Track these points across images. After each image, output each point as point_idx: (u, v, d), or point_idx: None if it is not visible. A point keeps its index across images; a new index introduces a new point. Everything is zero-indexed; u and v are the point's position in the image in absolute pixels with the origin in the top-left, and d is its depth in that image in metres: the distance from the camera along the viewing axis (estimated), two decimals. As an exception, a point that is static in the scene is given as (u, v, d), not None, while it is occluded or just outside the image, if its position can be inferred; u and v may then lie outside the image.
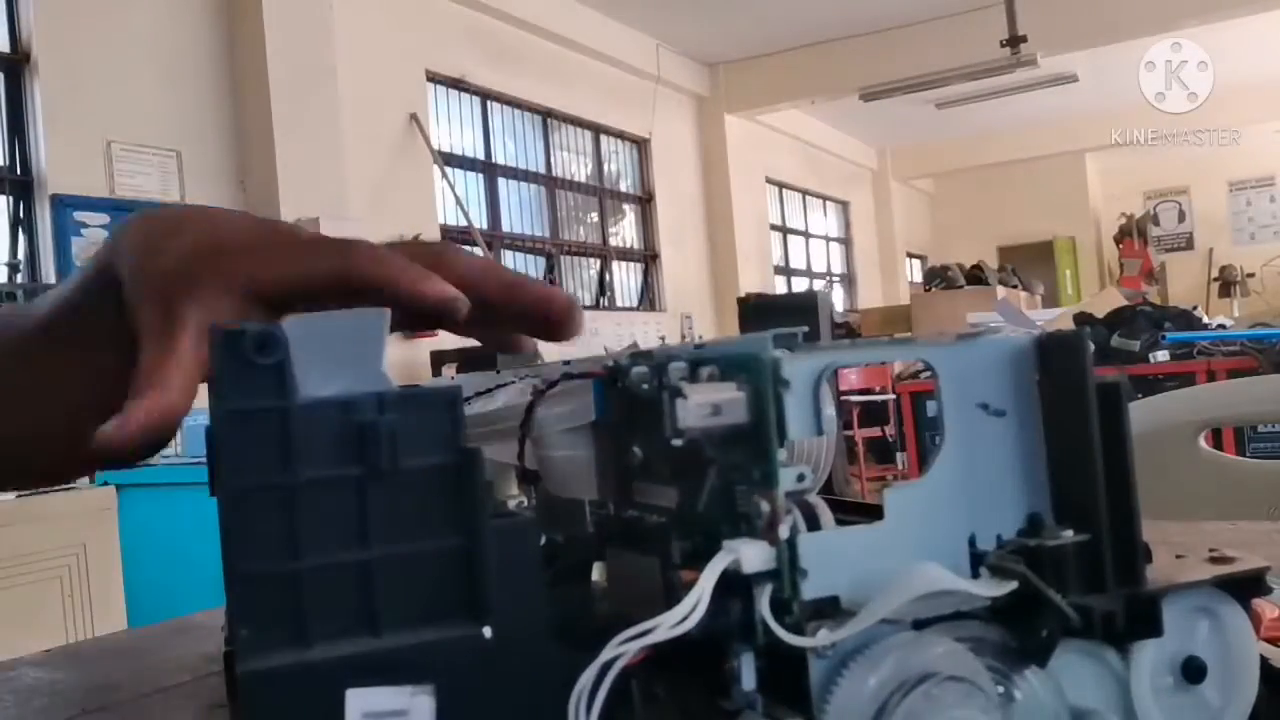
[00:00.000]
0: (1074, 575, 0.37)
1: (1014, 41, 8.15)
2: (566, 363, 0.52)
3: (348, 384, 0.37)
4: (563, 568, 0.50)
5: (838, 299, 12.21)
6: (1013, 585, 0.36)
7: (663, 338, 8.76)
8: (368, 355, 0.39)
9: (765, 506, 0.37)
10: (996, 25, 8.24)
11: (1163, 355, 4.61)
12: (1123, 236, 13.93)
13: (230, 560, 0.35)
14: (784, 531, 0.36)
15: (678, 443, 0.39)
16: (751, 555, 0.36)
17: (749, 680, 0.37)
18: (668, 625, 0.35)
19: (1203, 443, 1.44)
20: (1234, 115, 10.06)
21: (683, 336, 9.01)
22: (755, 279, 10.28)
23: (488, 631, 0.37)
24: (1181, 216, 15.16)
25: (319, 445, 0.36)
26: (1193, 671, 0.39)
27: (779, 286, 11.15)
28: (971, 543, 0.38)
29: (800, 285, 11.76)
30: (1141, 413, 1.45)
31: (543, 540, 0.48)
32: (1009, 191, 14.48)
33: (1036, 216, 14.36)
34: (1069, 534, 0.38)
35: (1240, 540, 0.89)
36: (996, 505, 0.39)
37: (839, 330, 8.94)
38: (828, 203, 13.06)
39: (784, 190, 11.86)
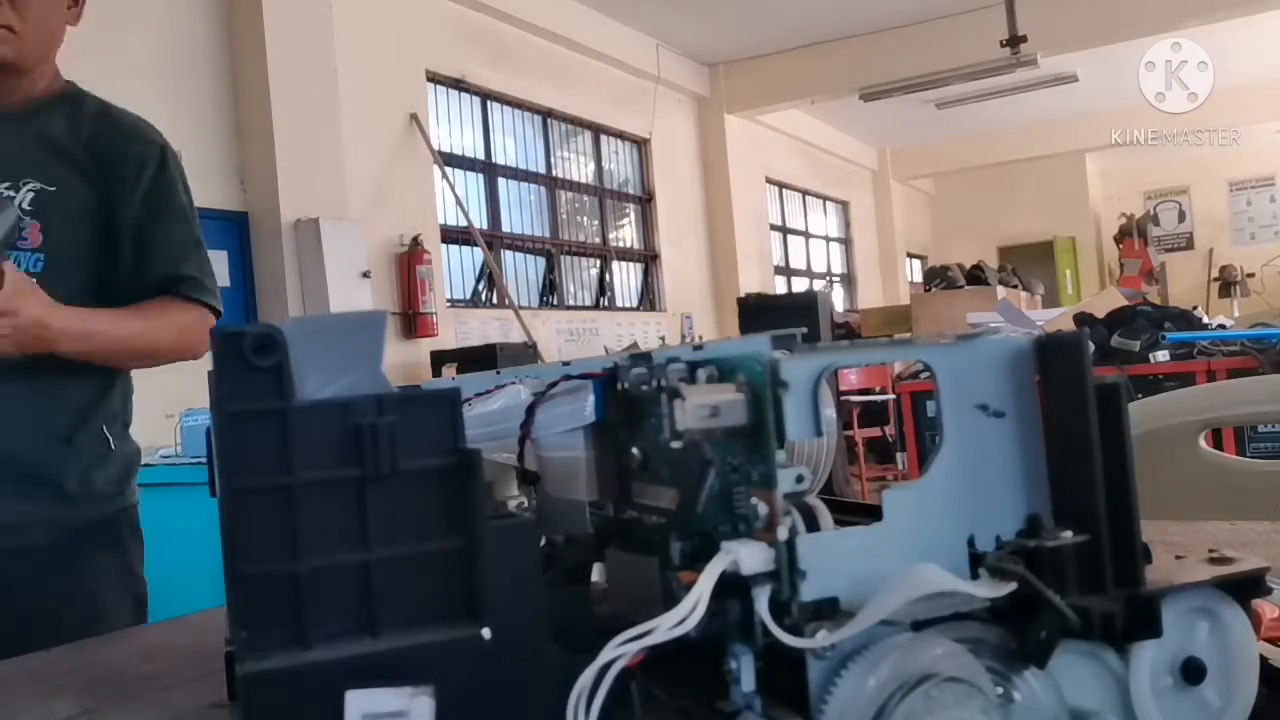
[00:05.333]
0: (1073, 576, 0.37)
1: (1014, 41, 8.15)
2: (566, 363, 0.52)
3: (347, 386, 0.37)
4: (562, 569, 0.50)
5: (838, 299, 12.20)
6: (1012, 586, 0.36)
7: (662, 338, 8.75)
8: (367, 357, 0.39)
9: (764, 508, 0.37)
10: (996, 25, 8.24)
11: (1163, 355, 4.60)
12: (1123, 236, 13.92)
13: (230, 561, 0.35)
14: (783, 533, 0.36)
15: (677, 444, 0.39)
16: (750, 556, 0.36)
17: (748, 681, 0.37)
18: (667, 626, 0.35)
19: (1203, 443, 1.44)
20: (1234, 115, 10.06)
21: (683, 337, 9.00)
22: (755, 279, 10.27)
23: (487, 633, 0.37)
24: (1181, 216, 15.15)
25: (318, 447, 0.36)
26: (1192, 672, 0.39)
27: (779, 286, 11.14)
28: (970, 544, 0.38)
29: (800, 285, 11.75)
30: (1141, 413, 1.45)
31: (543, 541, 0.48)
32: (1009, 191, 14.47)
33: (1036, 216, 14.36)
34: (1068, 535, 0.38)
35: (1240, 540, 0.89)
36: (995, 506, 0.39)
37: (839, 330, 8.93)
38: (828, 203, 13.06)
39: (784, 190, 11.85)
